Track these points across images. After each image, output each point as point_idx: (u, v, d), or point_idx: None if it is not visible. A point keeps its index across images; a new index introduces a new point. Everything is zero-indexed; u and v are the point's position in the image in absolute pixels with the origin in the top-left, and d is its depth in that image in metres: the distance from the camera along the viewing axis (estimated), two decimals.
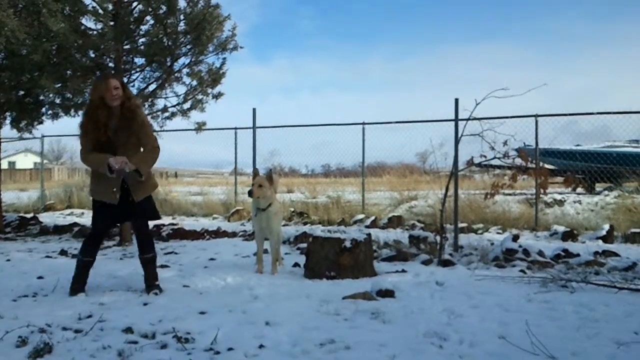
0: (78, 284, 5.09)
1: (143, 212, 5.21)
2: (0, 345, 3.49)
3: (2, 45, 8.17)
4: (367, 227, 11.04)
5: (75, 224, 11.34)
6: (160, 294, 5.11)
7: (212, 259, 7.29)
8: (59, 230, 10.78)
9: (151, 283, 5.22)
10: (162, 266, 6.64)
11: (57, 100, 9.81)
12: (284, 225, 11.74)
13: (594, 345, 3.50)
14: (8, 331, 3.68)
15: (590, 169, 14.34)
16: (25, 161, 58.18)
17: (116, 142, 4.98)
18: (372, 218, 11.90)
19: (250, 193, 6.23)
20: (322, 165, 24.50)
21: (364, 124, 13.40)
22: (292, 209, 13.78)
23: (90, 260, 5.17)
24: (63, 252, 7.91)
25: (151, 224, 5.73)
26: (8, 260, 7.21)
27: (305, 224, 12.37)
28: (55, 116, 10.10)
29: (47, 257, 7.57)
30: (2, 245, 8.78)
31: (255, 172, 6.59)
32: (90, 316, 4.23)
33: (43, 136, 16.97)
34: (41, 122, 10.29)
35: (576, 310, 4.43)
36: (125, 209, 5.08)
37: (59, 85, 9.13)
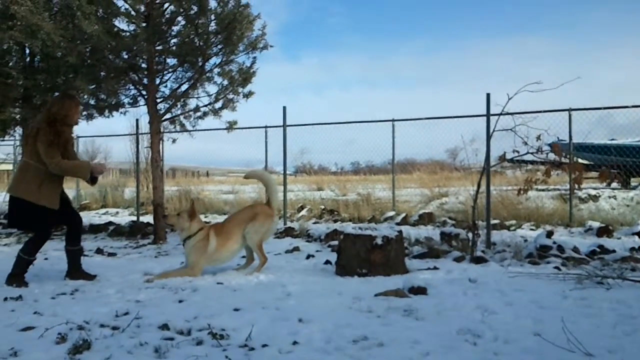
0: (22, 277, 5.59)
1: (75, 211, 6.18)
2: (41, 342, 3.59)
3: (38, 48, 8.39)
4: (397, 224, 11.03)
5: (110, 223, 11.56)
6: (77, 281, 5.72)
7: (244, 257, 7.33)
8: (94, 229, 10.99)
9: (74, 271, 5.90)
10: None
11: (92, 102, 10.02)
12: (314, 223, 11.78)
13: (632, 342, 3.44)
14: (48, 328, 3.79)
15: (626, 163, 14.04)
16: None
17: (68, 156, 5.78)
18: (403, 215, 11.86)
19: (164, 217, 6.90)
20: (352, 162, 24.39)
21: (393, 120, 13.31)
22: (323, 207, 13.83)
23: (34, 259, 5.73)
24: (99, 251, 8.06)
25: None
26: (46, 259, 7.37)
27: (335, 221, 12.39)
28: (90, 117, 10.34)
29: (84, 255, 7.69)
30: None
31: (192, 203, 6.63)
32: (126, 313, 4.31)
33: (78, 137, 17.27)
34: (76, 124, 10.50)
35: (613, 307, 4.37)
36: (57, 213, 5.68)
37: (94, 86, 9.33)
